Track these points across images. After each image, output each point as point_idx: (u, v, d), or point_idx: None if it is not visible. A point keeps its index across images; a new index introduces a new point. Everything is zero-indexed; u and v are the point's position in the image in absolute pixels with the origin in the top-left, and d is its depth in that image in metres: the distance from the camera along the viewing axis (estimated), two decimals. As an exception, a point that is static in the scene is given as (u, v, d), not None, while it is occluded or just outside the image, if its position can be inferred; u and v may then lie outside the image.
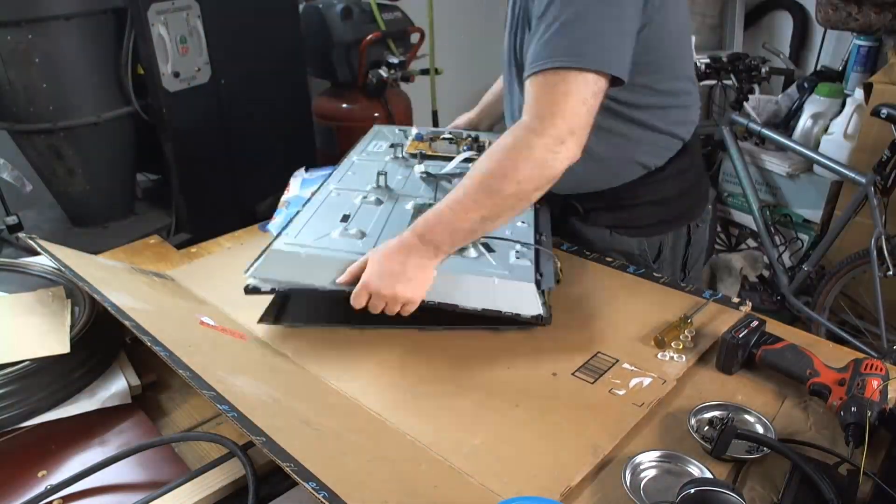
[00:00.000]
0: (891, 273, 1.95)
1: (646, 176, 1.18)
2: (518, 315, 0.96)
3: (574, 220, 1.27)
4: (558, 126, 0.91)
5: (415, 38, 2.74)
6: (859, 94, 2.24)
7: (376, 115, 2.69)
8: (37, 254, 1.15)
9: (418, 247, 0.95)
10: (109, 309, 0.88)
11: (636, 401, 0.87)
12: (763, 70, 2.36)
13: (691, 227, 1.29)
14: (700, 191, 1.30)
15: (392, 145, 1.41)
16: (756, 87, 2.48)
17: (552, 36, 0.92)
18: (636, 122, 1.12)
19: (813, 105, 2.39)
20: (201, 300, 1.12)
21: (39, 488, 0.77)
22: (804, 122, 2.38)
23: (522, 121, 0.95)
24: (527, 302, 0.96)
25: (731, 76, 2.36)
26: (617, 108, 1.10)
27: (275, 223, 1.29)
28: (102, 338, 0.97)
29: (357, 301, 0.95)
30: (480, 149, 1.33)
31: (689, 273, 1.34)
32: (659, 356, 0.96)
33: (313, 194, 1.20)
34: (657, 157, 1.17)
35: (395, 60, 2.64)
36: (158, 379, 0.97)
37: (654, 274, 1.16)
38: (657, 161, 1.17)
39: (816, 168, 2.30)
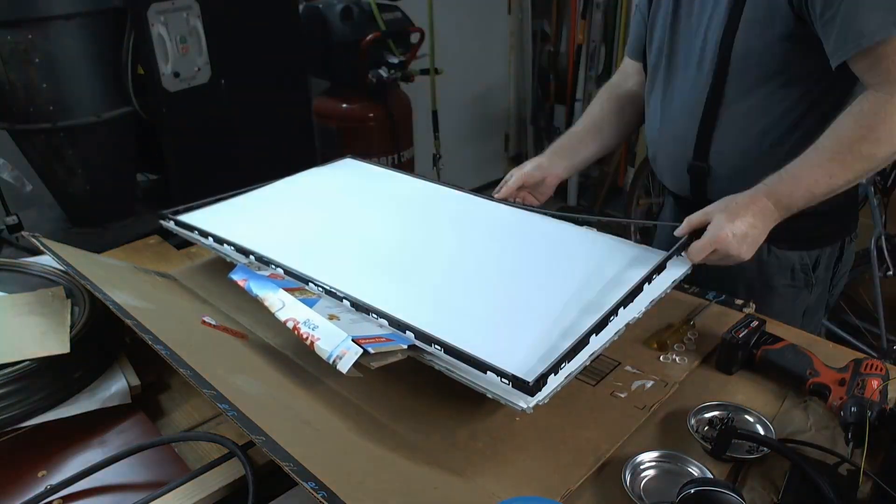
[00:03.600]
0: (891, 273, 1.95)
1: None
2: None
3: None
4: None
5: (415, 38, 2.74)
6: (859, 94, 2.24)
7: (376, 114, 2.69)
8: (37, 254, 1.15)
9: (772, 213, 0.97)
10: (111, 307, 0.88)
11: (638, 403, 0.87)
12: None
13: (845, 241, 1.23)
14: (856, 200, 1.27)
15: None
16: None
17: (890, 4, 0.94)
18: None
19: (813, 105, 2.38)
20: (202, 300, 1.12)
21: (39, 488, 0.77)
22: (804, 122, 2.37)
23: (882, 90, 0.95)
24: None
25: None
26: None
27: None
28: (102, 338, 0.97)
29: (699, 255, 0.94)
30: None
31: (832, 291, 1.28)
32: (661, 359, 0.96)
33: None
34: None
35: (395, 60, 2.64)
36: (158, 379, 0.97)
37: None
38: None
39: (816, 168, 2.30)
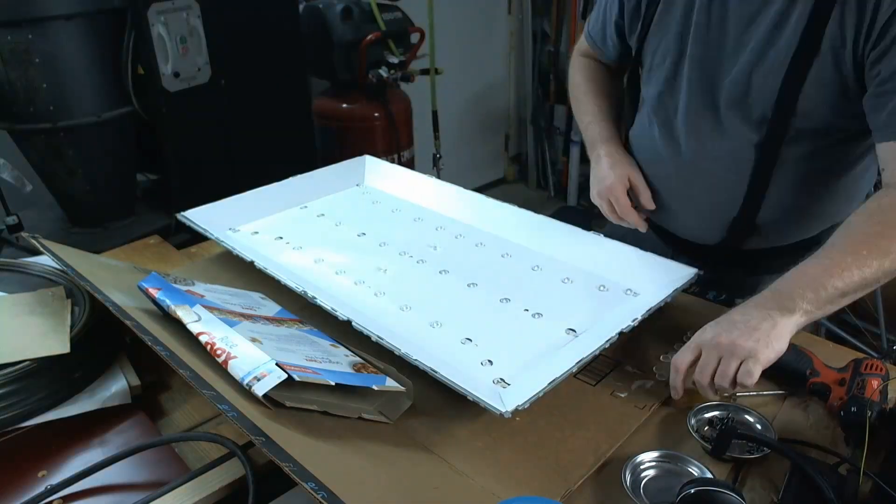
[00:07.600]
0: (891, 273, 1.95)
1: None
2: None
3: (740, 273, 1.14)
4: None
5: (415, 38, 2.74)
6: (859, 94, 2.23)
7: (376, 114, 2.68)
8: (37, 254, 1.15)
9: (767, 300, 0.83)
10: (111, 308, 0.88)
11: (638, 403, 0.87)
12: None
13: None
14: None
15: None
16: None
17: None
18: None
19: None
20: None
21: (39, 488, 0.76)
22: (804, 122, 2.37)
23: None
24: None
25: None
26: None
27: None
28: (102, 338, 0.97)
29: (682, 359, 0.82)
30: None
31: None
32: (661, 358, 0.96)
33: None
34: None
35: (395, 60, 2.64)
36: (158, 379, 0.97)
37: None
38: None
39: (816, 168, 2.30)
